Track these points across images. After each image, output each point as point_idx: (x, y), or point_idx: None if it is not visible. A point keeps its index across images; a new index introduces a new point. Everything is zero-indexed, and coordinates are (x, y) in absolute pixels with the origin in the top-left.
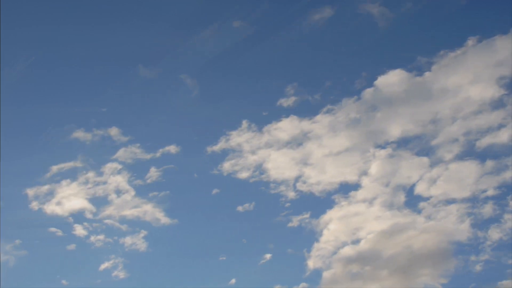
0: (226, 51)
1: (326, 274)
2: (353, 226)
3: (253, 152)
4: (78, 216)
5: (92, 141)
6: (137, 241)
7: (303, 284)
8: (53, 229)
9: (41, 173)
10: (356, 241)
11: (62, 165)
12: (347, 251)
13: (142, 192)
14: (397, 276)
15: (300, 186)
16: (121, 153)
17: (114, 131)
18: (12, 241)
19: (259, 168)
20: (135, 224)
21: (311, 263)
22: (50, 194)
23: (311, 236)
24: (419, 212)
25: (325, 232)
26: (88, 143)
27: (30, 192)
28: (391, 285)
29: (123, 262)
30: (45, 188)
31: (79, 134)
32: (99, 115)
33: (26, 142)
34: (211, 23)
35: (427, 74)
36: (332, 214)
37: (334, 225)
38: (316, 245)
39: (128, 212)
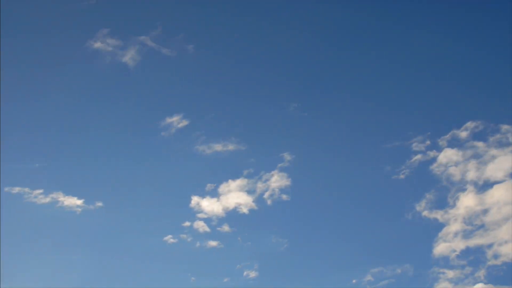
0: None
1: None
2: None
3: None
4: (232, 213)
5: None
6: (280, 240)
7: None
8: (200, 224)
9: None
10: None
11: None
12: None
13: (298, 192)
14: None
15: None
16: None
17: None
18: (164, 236)
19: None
20: (282, 224)
21: None
22: (214, 190)
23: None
24: None
25: None
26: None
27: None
28: None
29: (259, 262)
30: (211, 185)
31: None
32: None
33: None
34: None
35: None
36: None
37: None
38: None
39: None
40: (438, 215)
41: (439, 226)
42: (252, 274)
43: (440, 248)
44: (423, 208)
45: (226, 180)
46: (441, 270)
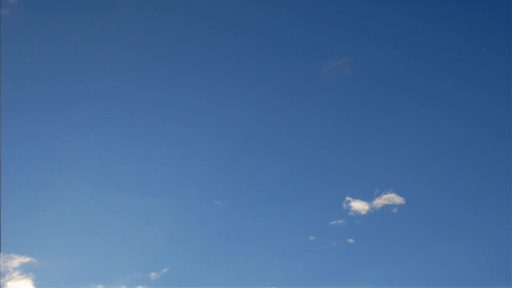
0: None
1: None
2: None
3: None
4: (379, 212)
5: None
6: (420, 241)
7: None
8: (345, 222)
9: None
10: None
11: None
12: None
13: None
14: None
15: None
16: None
17: None
18: (310, 235)
19: None
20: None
21: None
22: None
23: None
24: None
25: None
26: None
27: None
28: None
29: (389, 262)
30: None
31: None
32: None
33: None
34: None
35: None
36: None
37: None
38: None
39: None
40: None
41: None
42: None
43: None
44: None
45: (386, 187)
46: None
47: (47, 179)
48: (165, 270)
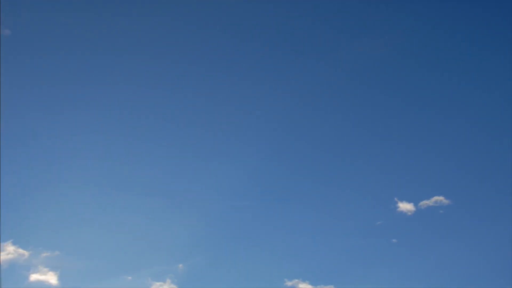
0: None
1: None
2: None
3: None
4: (425, 211)
5: None
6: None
7: None
8: (384, 222)
9: None
10: None
11: None
12: None
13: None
14: None
15: None
16: None
17: None
18: (352, 237)
19: None
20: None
21: None
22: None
23: None
24: None
25: None
26: None
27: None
28: None
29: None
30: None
31: None
32: None
33: None
34: None
35: None
36: None
37: None
38: None
39: None
40: None
41: None
42: None
43: None
44: None
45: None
46: None
47: (76, 178)
48: (193, 261)
